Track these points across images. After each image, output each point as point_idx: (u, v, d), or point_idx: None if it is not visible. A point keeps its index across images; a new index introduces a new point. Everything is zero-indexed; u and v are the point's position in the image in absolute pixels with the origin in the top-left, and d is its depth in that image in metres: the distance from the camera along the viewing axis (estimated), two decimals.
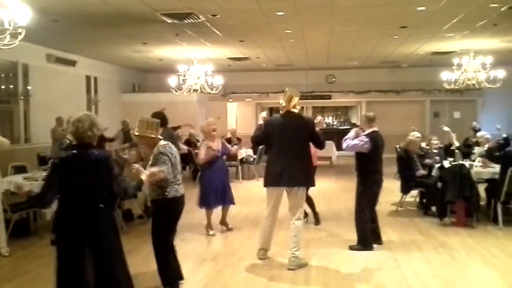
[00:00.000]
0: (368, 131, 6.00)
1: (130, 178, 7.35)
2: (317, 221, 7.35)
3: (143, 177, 3.95)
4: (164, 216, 4.50)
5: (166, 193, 4.39)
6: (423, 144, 9.25)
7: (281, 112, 5.45)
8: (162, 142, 4.43)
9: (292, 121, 5.28)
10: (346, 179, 11.36)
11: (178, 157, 4.54)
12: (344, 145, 6.02)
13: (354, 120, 19.89)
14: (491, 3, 8.06)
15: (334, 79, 18.33)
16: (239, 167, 12.12)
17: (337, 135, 13.67)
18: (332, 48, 12.97)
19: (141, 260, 5.69)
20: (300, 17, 9.02)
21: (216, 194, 6.77)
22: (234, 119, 19.30)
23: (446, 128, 9.23)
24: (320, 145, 5.51)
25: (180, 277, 4.67)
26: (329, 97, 18.17)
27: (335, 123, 20.86)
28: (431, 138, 9.25)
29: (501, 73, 11.40)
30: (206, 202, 6.77)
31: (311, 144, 5.49)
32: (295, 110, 5.35)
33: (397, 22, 9.58)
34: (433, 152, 8.74)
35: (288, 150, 5.20)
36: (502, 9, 8.43)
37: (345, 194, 9.73)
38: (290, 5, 8.06)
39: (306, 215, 7.53)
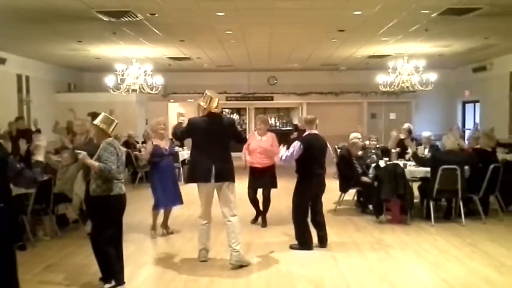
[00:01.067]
0: (304, 134, 6.20)
1: (63, 180, 7.15)
2: (264, 223, 7.48)
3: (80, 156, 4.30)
4: (107, 213, 4.49)
5: (111, 189, 4.45)
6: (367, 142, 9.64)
7: (201, 113, 5.63)
8: (111, 138, 4.59)
9: (215, 121, 5.42)
10: (287, 179, 11.36)
11: (123, 157, 4.67)
12: (281, 161, 6.13)
13: (296, 121, 20.17)
14: (422, 9, 8.41)
15: (276, 81, 18.53)
16: (181, 169, 11.93)
17: (280, 136, 13.73)
18: (273, 50, 13.09)
19: (76, 265, 5.51)
20: (240, 18, 9.01)
21: (167, 194, 6.71)
22: (176, 120, 19.01)
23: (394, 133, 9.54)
24: (242, 141, 6.01)
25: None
26: (271, 99, 18.35)
27: (277, 124, 21.05)
28: (370, 138, 9.61)
29: (432, 76, 11.95)
30: (160, 203, 6.69)
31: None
32: (216, 111, 5.48)
33: (335, 25, 9.80)
34: (371, 152, 9.07)
35: (213, 149, 5.33)
36: (432, 16, 8.83)
37: (286, 194, 9.71)
38: (230, 5, 8.02)
39: (260, 214, 7.60)
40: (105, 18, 8.63)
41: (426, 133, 9.19)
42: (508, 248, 6.04)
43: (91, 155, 4.49)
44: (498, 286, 4.76)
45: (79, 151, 4.48)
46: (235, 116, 19.63)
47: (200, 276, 5.13)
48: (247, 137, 7.87)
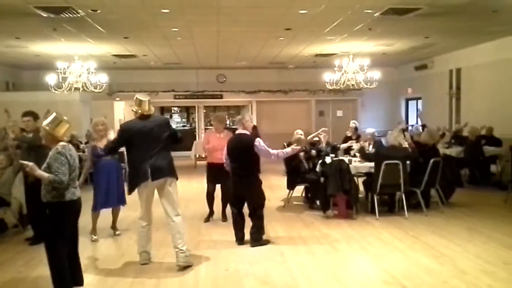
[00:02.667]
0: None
1: (0, 184, 6.81)
2: (224, 217, 7.50)
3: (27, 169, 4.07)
4: (59, 220, 4.27)
5: (63, 195, 4.24)
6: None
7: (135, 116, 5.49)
8: (62, 143, 4.31)
9: (148, 122, 5.33)
10: None
11: (77, 160, 4.43)
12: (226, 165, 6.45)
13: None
14: (365, 9, 8.62)
15: (225, 79, 18.47)
16: (127, 169, 11.65)
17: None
18: (221, 48, 13.03)
19: (15, 272, 5.27)
20: (186, 15, 8.89)
21: (108, 194, 6.51)
22: (122, 119, 18.56)
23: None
24: (177, 141, 5.63)
25: (78, 283, 4.57)
26: (221, 97, 18.27)
27: (228, 122, 21.00)
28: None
29: (376, 75, 12.29)
30: (97, 204, 6.50)
31: None
32: (149, 112, 5.40)
33: (282, 24, 9.87)
34: (322, 147, 9.30)
35: (148, 149, 5.22)
36: (375, 15, 9.07)
37: None
38: (175, 2, 7.90)
39: (212, 213, 7.61)
40: (44, 14, 8.29)
41: (369, 130, 9.47)
42: (447, 238, 6.29)
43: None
44: (437, 275, 4.94)
45: (26, 162, 4.19)
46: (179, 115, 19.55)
47: (146, 278, 5.02)
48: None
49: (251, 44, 12.38)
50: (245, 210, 6.27)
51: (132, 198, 9.44)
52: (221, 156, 7.12)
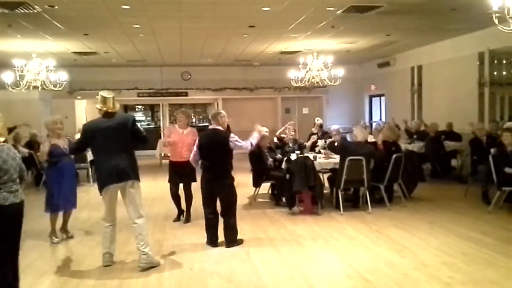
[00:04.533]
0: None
1: None
2: (187, 219, 7.39)
3: None
4: None
5: None
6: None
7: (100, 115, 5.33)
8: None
9: (112, 120, 5.19)
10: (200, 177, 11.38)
11: (12, 162, 4.06)
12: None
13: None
14: (327, 6, 8.68)
15: (190, 76, 18.30)
16: (90, 169, 11.39)
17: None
18: (185, 45, 12.88)
19: None
20: (147, 12, 8.73)
21: (63, 197, 6.30)
22: (84, 118, 18.12)
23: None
24: (141, 141, 5.40)
25: None
26: (186, 94, 18.10)
27: (194, 120, 20.83)
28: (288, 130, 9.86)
29: (340, 72, 12.40)
30: (52, 206, 6.27)
31: None
32: (114, 110, 5.26)
33: (245, 21, 9.83)
34: (289, 145, 9.33)
35: (113, 149, 5.11)
36: (337, 13, 9.15)
37: (197, 192, 9.73)
38: None
39: (181, 212, 7.47)
40: None
41: (334, 126, 9.57)
42: (409, 232, 6.42)
43: None
44: (398, 267, 5.03)
45: None
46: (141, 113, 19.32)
47: (108, 279, 4.91)
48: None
49: (215, 41, 12.29)
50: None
51: (96, 199, 9.31)
52: (183, 154, 7.03)
